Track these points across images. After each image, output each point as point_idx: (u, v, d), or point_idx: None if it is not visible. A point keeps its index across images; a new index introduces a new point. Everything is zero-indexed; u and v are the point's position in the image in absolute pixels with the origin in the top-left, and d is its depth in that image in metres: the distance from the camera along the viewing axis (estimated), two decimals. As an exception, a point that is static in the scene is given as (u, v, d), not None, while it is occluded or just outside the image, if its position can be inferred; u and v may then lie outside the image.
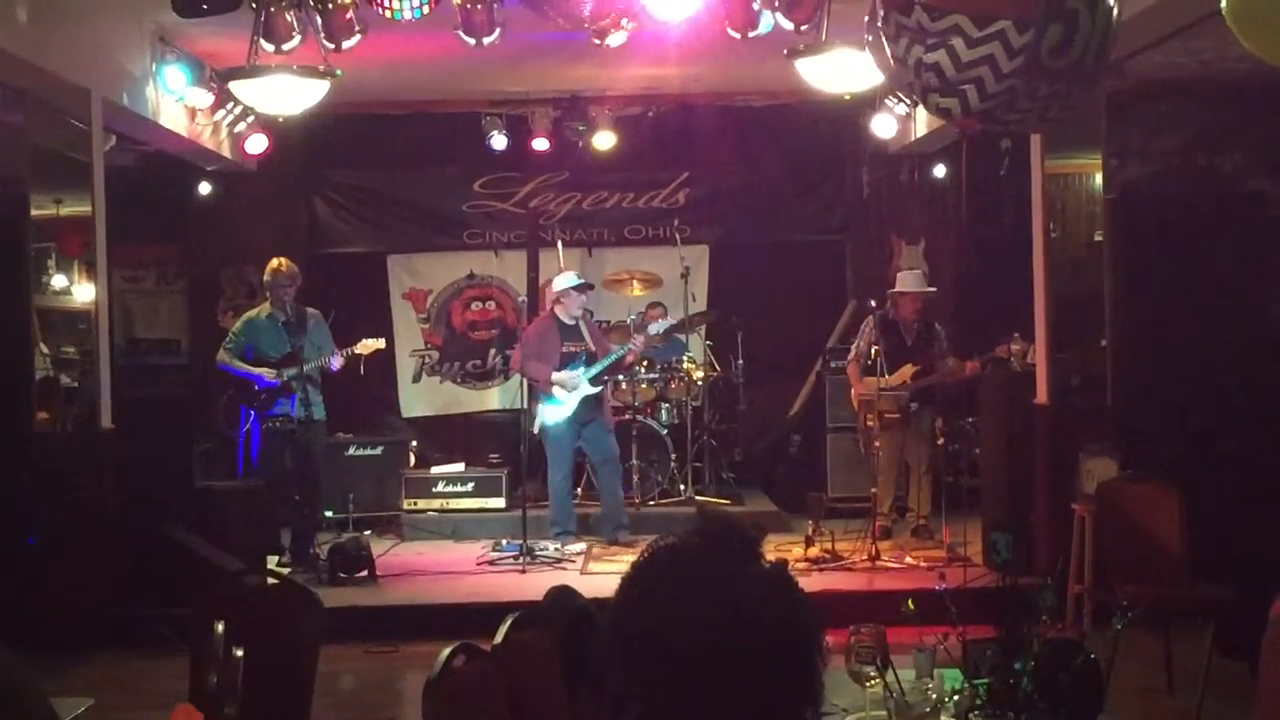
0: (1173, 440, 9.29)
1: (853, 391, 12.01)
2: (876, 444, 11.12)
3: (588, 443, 11.79)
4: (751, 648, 1.95)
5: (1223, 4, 4.92)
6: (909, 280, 11.84)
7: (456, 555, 11.68)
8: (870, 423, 11.20)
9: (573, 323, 11.83)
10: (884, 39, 4.60)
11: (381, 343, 11.38)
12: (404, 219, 14.73)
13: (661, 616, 1.96)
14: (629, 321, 13.23)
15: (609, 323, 13.55)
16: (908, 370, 11.40)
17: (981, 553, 10.45)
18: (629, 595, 2.01)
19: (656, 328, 12.23)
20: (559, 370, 11.58)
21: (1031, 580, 8.93)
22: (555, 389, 11.56)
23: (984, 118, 4.65)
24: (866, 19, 8.09)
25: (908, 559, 10.75)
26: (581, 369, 11.57)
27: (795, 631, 1.99)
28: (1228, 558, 7.76)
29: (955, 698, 3.93)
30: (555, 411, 11.61)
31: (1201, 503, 7.90)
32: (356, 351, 11.09)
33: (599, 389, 11.69)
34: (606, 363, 11.67)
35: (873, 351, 11.17)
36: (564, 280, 11.92)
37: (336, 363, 10.97)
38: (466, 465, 13.10)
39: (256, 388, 10.98)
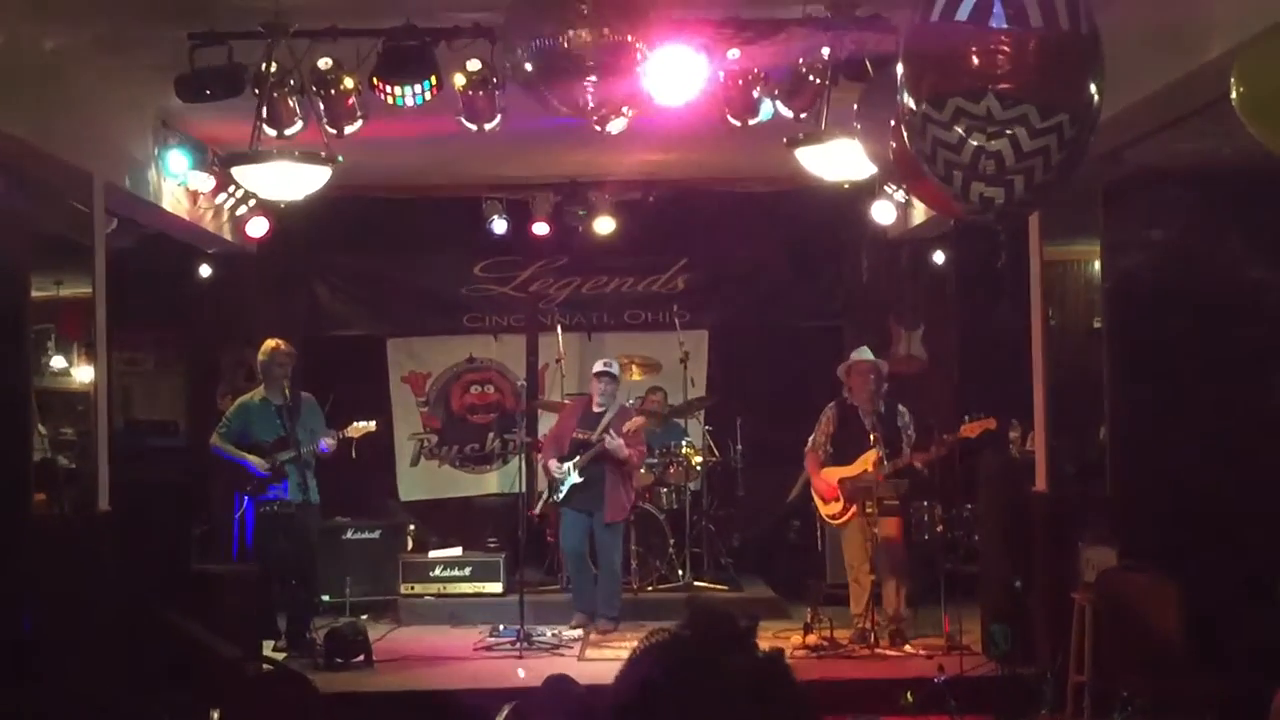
0: (1172, 529, 9.24)
1: (813, 484, 11.50)
2: (875, 530, 10.88)
3: (594, 534, 11.80)
4: None
5: (1233, 95, 4.97)
6: (858, 352, 11.53)
7: (454, 640, 11.62)
8: (870, 509, 10.93)
9: (600, 410, 11.88)
10: (928, 125, 4.58)
11: (373, 425, 11.38)
12: (404, 302, 14.80)
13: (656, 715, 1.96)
14: (628, 405, 12.95)
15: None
16: (870, 457, 10.93)
17: (980, 641, 10.38)
18: (625, 693, 2.01)
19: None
20: (563, 455, 11.75)
21: (1031, 670, 8.93)
22: (554, 474, 11.76)
23: (1002, 209, 4.65)
24: (856, 106, 8.17)
25: (906, 647, 10.67)
26: (573, 460, 11.66)
27: None
28: (1228, 648, 7.72)
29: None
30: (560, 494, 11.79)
31: (1202, 592, 7.86)
32: (347, 434, 11.09)
33: (582, 479, 11.62)
34: (588, 455, 11.61)
35: (872, 437, 10.96)
36: (595, 366, 12.08)
37: (327, 444, 10.95)
38: (464, 549, 13.04)
39: (249, 472, 10.96)
